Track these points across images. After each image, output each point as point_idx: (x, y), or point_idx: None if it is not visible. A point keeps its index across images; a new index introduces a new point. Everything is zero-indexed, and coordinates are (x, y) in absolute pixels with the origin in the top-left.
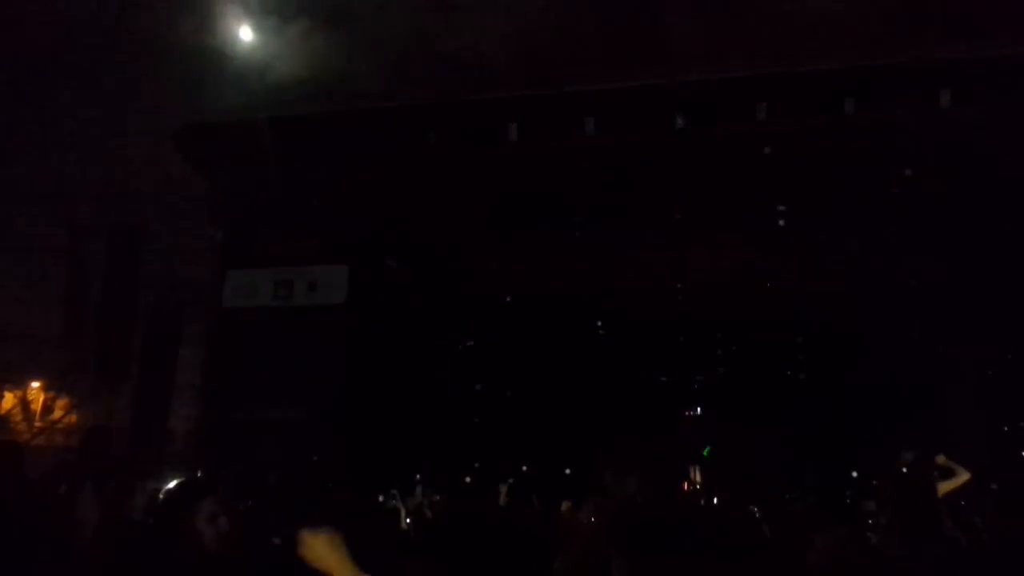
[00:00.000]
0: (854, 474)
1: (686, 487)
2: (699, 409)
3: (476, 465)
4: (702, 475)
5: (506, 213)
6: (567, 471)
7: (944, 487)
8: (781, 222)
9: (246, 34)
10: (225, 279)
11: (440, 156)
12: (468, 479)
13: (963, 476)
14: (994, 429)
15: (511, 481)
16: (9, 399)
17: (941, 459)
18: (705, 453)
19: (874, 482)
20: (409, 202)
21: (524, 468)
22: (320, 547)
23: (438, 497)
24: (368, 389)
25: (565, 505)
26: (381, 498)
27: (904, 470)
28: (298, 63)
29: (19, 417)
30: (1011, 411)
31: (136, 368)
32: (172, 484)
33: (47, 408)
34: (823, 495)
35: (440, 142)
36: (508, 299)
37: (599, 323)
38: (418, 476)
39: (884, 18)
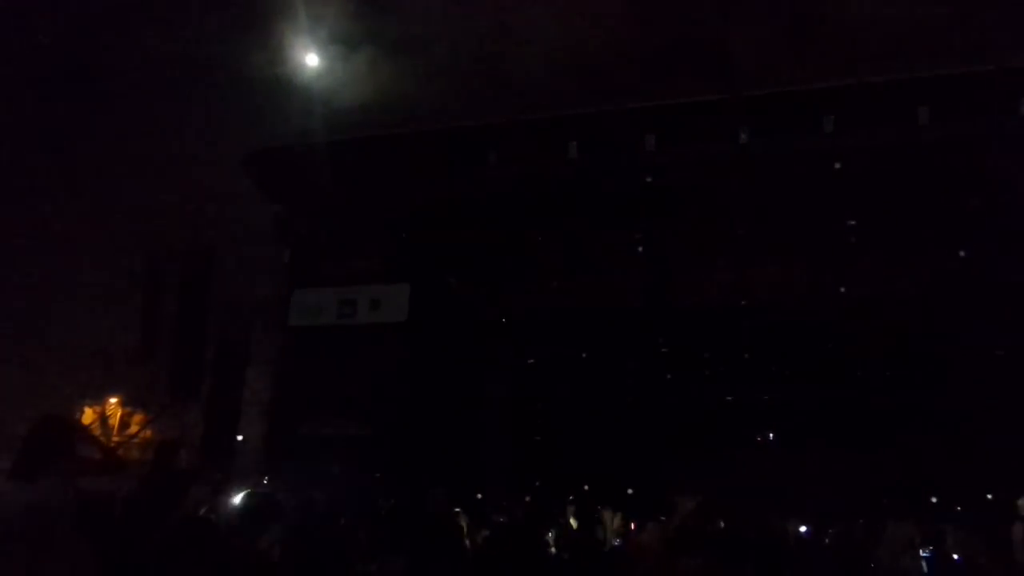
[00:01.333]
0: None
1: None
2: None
3: (537, 484)
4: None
5: (567, 230)
6: (629, 491)
7: None
8: (850, 236)
9: (312, 61)
10: (291, 298)
11: (501, 175)
12: (528, 499)
13: None
14: None
15: (573, 501)
16: (88, 414)
17: None
18: None
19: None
20: (470, 221)
21: (585, 487)
22: None
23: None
24: (430, 406)
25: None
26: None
27: None
28: (362, 88)
29: (98, 431)
30: None
31: (207, 385)
32: (243, 496)
33: (124, 423)
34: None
35: (500, 162)
36: (570, 316)
37: (661, 340)
38: (479, 495)
39: (948, 27)
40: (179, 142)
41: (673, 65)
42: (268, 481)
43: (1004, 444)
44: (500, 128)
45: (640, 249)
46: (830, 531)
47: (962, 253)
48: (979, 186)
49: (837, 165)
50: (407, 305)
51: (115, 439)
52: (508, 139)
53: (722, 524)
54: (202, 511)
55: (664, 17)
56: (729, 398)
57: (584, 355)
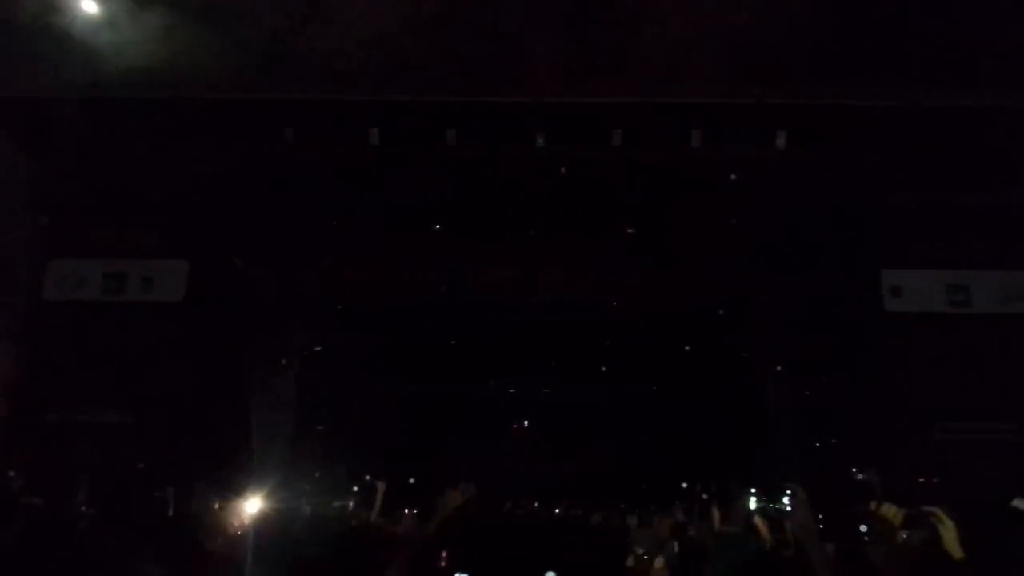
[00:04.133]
0: (684, 486)
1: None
2: (526, 422)
3: (317, 475)
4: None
5: (362, 217)
6: (411, 481)
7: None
8: (631, 242)
9: (90, 7)
10: (47, 269)
11: (296, 155)
12: (309, 487)
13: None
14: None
15: (356, 490)
16: None
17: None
18: None
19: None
20: (261, 200)
21: (367, 477)
22: None
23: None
24: (205, 394)
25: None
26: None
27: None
28: (148, 47)
29: None
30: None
31: None
32: None
33: None
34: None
35: (298, 141)
36: (360, 305)
37: (450, 332)
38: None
39: (738, 59)
40: None
41: (480, 65)
42: (13, 475)
43: (746, 440)
44: (297, 105)
45: (434, 242)
46: (595, 515)
47: (721, 266)
48: (739, 207)
49: (622, 176)
50: (184, 284)
51: None
52: (306, 118)
53: (501, 510)
54: None
55: (476, 20)
56: (512, 391)
57: (372, 345)
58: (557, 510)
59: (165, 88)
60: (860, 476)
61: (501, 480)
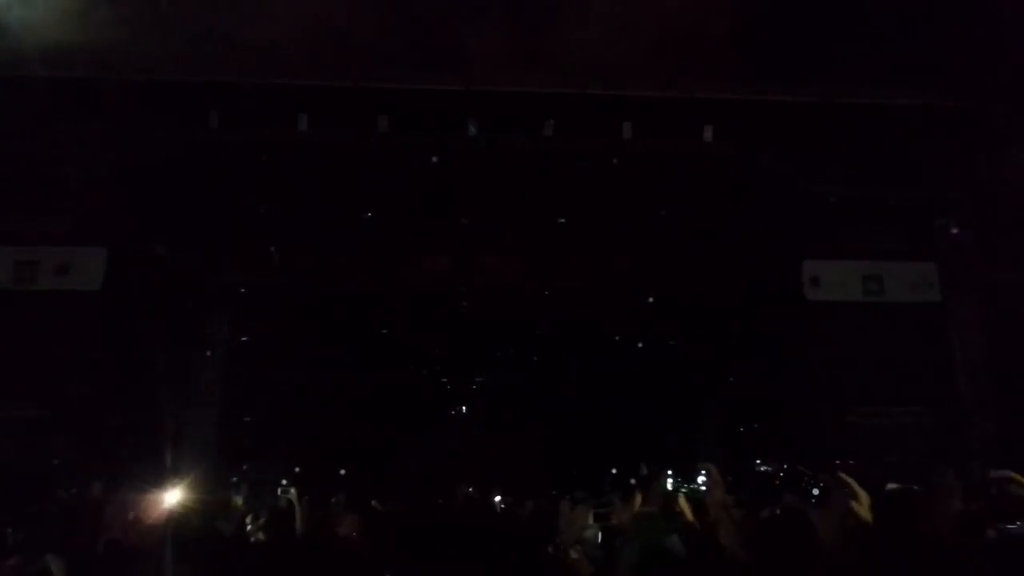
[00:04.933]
0: (614, 471)
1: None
2: (464, 408)
3: (244, 467)
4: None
5: (291, 205)
6: (342, 472)
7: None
8: (562, 232)
9: None
10: None
11: (222, 140)
12: (235, 479)
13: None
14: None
15: (284, 483)
16: None
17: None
18: None
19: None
20: (185, 186)
21: (296, 470)
22: None
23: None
24: (125, 386)
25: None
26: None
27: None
28: (66, 24)
29: None
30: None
31: None
32: None
33: None
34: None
35: (223, 125)
36: (287, 295)
37: (381, 322)
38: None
39: (670, 54)
40: None
41: (413, 52)
42: None
43: (673, 425)
44: (224, 89)
45: (365, 230)
46: (526, 503)
47: (650, 256)
48: (667, 198)
49: (552, 166)
50: (102, 272)
51: None
52: (233, 103)
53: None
54: None
55: (409, 6)
56: (443, 380)
57: (301, 335)
58: (494, 498)
59: (82, 68)
60: (764, 468)
61: (435, 469)
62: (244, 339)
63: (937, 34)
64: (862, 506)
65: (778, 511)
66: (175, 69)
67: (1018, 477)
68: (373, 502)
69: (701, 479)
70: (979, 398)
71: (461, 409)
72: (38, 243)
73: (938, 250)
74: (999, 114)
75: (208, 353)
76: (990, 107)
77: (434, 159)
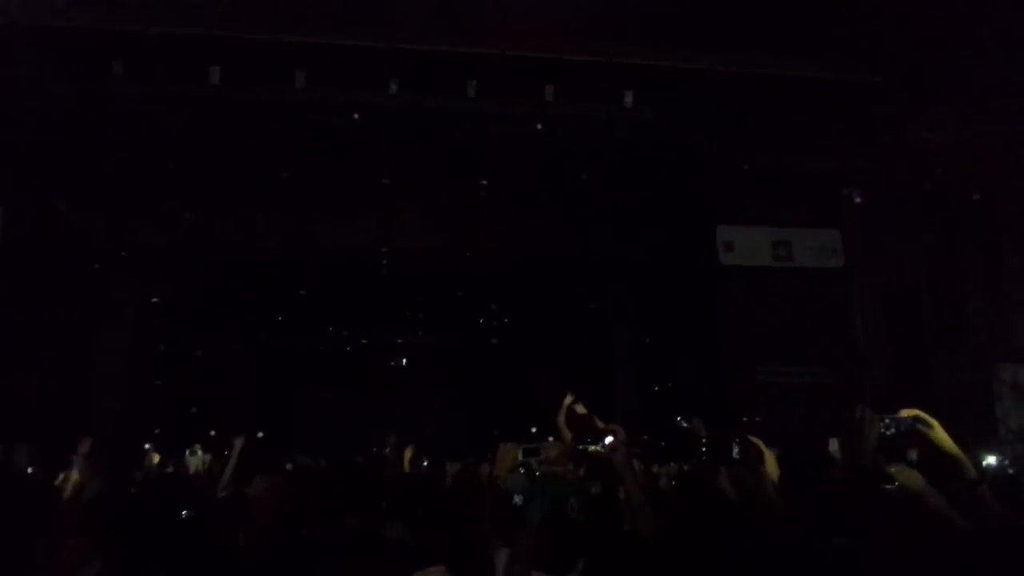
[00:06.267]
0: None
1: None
2: (384, 370)
3: (156, 431)
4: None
5: (205, 162)
6: (259, 435)
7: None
8: (483, 194)
9: None
10: None
11: (129, 92)
12: (148, 446)
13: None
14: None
15: (197, 448)
16: None
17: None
18: None
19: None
20: (89, 139)
21: (212, 433)
22: None
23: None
24: (22, 349)
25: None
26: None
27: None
28: None
29: None
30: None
31: None
32: None
33: None
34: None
35: (129, 76)
36: (201, 255)
37: (300, 283)
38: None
39: (594, 18)
40: None
41: (335, 6)
42: None
43: (591, 386)
44: (128, 38)
45: (284, 189)
46: (449, 466)
47: (569, 220)
48: (587, 163)
49: (474, 128)
50: None
51: None
52: (138, 52)
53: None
54: None
55: None
56: (364, 341)
57: (216, 297)
58: (421, 461)
59: None
60: (685, 424)
61: (356, 432)
62: (155, 300)
63: (845, 10)
64: (769, 463)
65: (686, 468)
66: (77, 15)
67: (924, 415)
68: (287, 464)
69: (608, 439)
70: (875, 356)
71: (382, 371)
72: None
73: (842, 218)
74: (900, 89)
75: (115, 315)
76: (892, 81)
77: (355, 116)
